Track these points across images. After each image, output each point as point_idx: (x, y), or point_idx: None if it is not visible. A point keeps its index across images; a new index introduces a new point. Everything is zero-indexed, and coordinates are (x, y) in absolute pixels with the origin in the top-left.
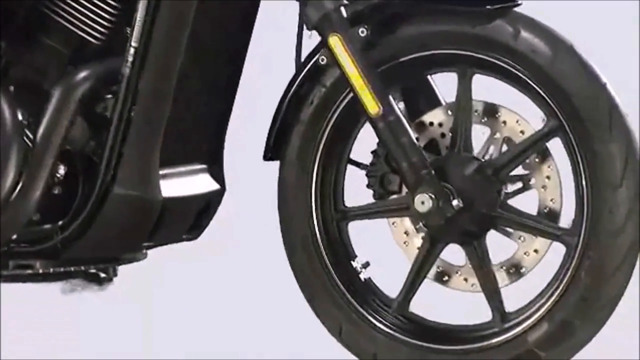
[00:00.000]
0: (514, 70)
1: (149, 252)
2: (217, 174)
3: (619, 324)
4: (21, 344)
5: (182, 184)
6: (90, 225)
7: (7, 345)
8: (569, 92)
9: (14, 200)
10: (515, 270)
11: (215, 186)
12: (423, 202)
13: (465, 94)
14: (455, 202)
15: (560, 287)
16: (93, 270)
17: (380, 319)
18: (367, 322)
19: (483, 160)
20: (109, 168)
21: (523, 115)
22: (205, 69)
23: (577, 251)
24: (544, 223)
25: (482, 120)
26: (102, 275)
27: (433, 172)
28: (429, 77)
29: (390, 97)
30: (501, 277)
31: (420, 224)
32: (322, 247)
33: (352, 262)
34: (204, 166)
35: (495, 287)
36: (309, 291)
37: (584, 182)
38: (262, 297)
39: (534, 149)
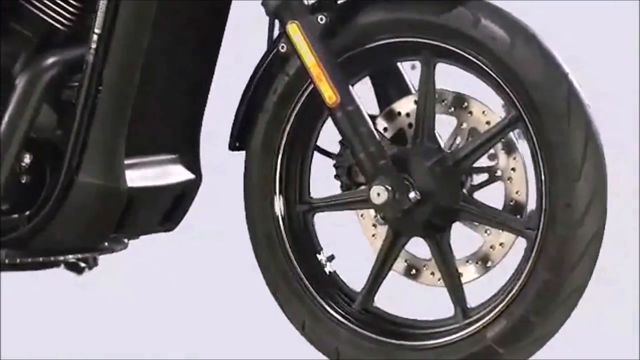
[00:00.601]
0: (474, 59)
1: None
2: (192, 164)
3: (619, 323)
4: (21, 343)
5: (152, 173)
6: (55, 215)
7: (6, 345)
8: (526, 82)
9: None
10: (481, 264)
11: (189, 176)
12: (379, 193)
13: (428, 83)
14: (412, 195)
15: (519, 283)
16: (73, 260)
17: (344, 313)
18: (329, 317)
19: (445, 151)
20: (74, 157)
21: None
22: (174, 58)
23: (535, 245)
24: (506, 216)
25: (450, 111)
26: (82, 264)
27: (392, 163)
28: (398, 65)
29: (350, 87)
30: (467, 271)
31: (378, 216)
32: (285, 240)
33: (317, 255)
34: (177, 156)
35: (457, 281)
36: (273, 284)
37: (541, 175)
38: (240, 290)
39: (496, 140)
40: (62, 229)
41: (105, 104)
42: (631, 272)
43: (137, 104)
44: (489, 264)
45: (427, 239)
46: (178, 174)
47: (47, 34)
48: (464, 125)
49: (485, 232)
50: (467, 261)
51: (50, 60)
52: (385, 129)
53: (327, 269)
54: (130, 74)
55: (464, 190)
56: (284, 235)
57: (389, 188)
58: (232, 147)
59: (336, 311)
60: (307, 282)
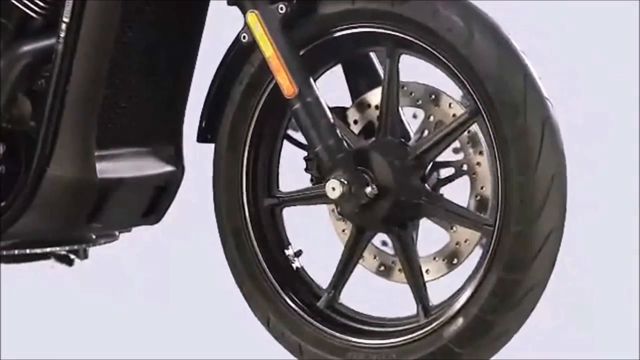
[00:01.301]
0: (432, 51)
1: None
2: (174, 155)
3: (619, 323)
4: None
5: (127, 165)
6: (28, 206)
7: (6, 345)
8: (482, 74)
9: None
10: (447, 261)
11: (170, 168)
12: (333, 187)
13: (392, 74)
14: (369, 189)
15: (476, 280)
16: (62, 252)
17: (308, 310)
18: (293, 314)
19: (408, 145)
20: (45, 148)
21: None
22: (149, 47)
23: (491, 243)
24: (467, 213)
25: (417, 103)
26: (72, 256)
27: (352, 156)
28: (371, 55)
29: (311, 78)
30: (434, 268)
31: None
32: (252, 235)
33: (284, 250)
34: (156, 148)
35: (420, 279)
36: (239, 280)
37: (497, 170)
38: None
39: (457, 134)
40: (35, 220)
41: (75, 94)
42: (631, 272)
43: (110, 95)
44: (455, 261)
45: (389, 234)
46: (158, 166)
47: (22, 22)
48: (431, 118)
49: (451, 228)
50: (434, 258)
51: (24, 48)
52: (355, 121)
53: (295, 265)
54: (99, 64)
55: (427, 185)
56: (251, 230)
57: (345, 182)
58: (201, 139)
59: (301, 308)
60: (272, 278)
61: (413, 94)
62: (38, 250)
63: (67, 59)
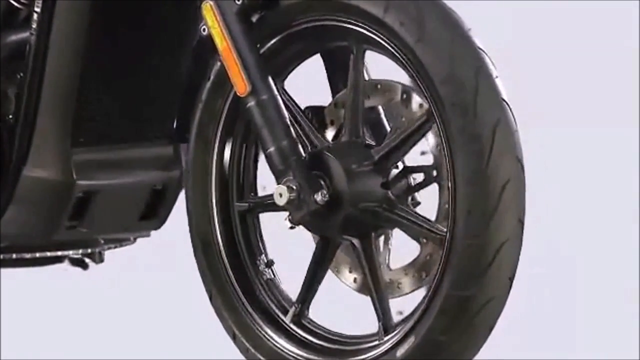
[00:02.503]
0: (389, 47)
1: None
2: (172, 156)
3: (619, 324)
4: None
5: (114, 167)
6: (6, 209)
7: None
8: (432, 73)
9: None
10: (418, 275)
11: (168, 169)
12: (281, 194)
13: (356, 71)
14: (318, 196)
15: (427, 296)
16: (78, 256)
17: (272, 327)
18: (258, 329)
19: (371, 148)
20: (22, 146)
21: None
22: (131, 38)
23: (442, 256)
24: (429, 223)
25: (390, 102)
26: (87, 260)
27: (306, 159)
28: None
29: (268, 75)
30: (406, 282)
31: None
32: (220, 242)
33: (256, 260)
34: (151, 148)
35: (383, 293)
36: (207, 289)
37: (448, 177)
38: None
39: (416, 137)
40: (14, 222)
41: (48, 91)
42: (631, 272)
43: (87, 91)
44: (424, 275)
45: (351, 245)
46: (152, 167)
47: (8, 13)
48: (403, 118)
49: (422, 239)
50: (405, 272)
51: (7, 40)
52: (332, 122)
53: (265, 276)
54: (73, 56)
55: (391, 192)
56: (219, 237)
57: (293, 188)
58: (178, 139)
59: (266, 323)
60: (239, 290)
61: (387, 93)
62: (50, 254)
63: (41, 52)
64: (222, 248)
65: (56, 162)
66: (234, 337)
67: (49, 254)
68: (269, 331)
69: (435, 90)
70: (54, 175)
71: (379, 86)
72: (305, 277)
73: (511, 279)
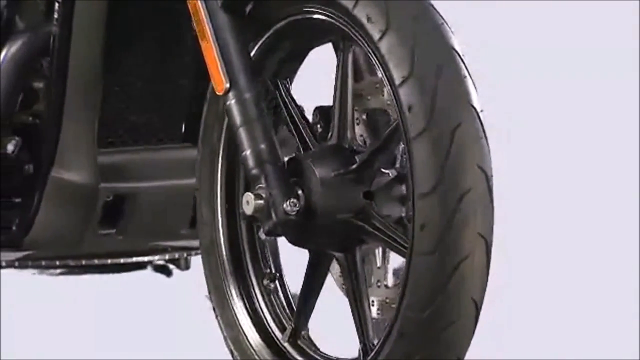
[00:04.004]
0: (360, 43)
1: None
2: None
3: (619, 324)
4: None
5: (149, 170)
6: (38, 210)
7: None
8: (395, 73)
9: None
10: None
11: None
12: (247, 201)
13: (342, 70)
14: (287, 206)
15: (390, 319)
16: (162, 262)
17: (266, 346)
18: (250, 347)
19: (357, 154)
20: (49, 145)
21: None
22: (155, 41)
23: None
24: (400, 238)
25: (387, 104)
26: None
27: (282, 165)
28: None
29: (250, 73)
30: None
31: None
32: (224, 251)
33: (261, 272)
34: (192, 150)
35: (364, 313)
36: (214, 299)
37: (408, 188)
38: None
39: (395, 141)
40: (45, 226)
41: (72, 84)
42: (631, 272)
43: (112, 87)
44: None
45: (338, 259)
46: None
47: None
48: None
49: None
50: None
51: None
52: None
53: (267, 291)
54: (94, 58)
55: (374, 203)
56: (223, 246)
57: (262, 196)
58: (188, 140)
59: (260, 341)
60: (238, 303)
61: (384, 95)
62: (134, 259)
63: (64, 47)
64: (225, 258)
65: (81, 164)
66: (232, 353)
67: (133, 259)
68: (261, 350)
69: (396, 90)
70: (79, 177)
71: (377, 86)
72: (299, 293)
73: (476, 301)
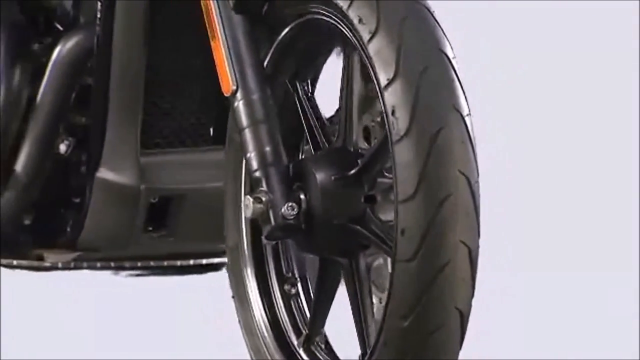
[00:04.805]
0: (353, 44)
1: None
2: None
3: (619, 324)
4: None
5: (195, 172)
6: (87, 213)
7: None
8: (379, 75)
9: (18, 170)
10: None
11: None
12: (247, 205)
13: (348, 72)
14: (286, 210)
15: (378, 327)
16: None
17: (280, 349)
18: (267, 352)
19: (361, 156)
20: (96, 146)
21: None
22: (195, 41)
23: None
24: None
25: None
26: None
27: (287, 169)
28: None
29: (260, 74)
30: None
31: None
32: (247, 254)
33: (282, 276)
34: None
35: (365, 321)
36: (237, 301)
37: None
38: None
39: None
40: (94, 228)
41: (115, 83)
42: (632, 272)
43: (153, 86)
44: None
45: (343, 266)
46: None
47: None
48: None
49: None
50: None
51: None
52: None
53: (288, 295)
54: (136, 57)
55: (374, 207)
56: (246, 249)
57: (261, 199)
58: (215, 142)
59: (276, 347)
60: (260, 308)
61: None
62: (205, 261)
63: (107, 46)
64: (247, 261)
65: (125, 165)
66: (249, 353)
67: (204, 261)
68: (276, 356)
69: (382, 93)
70: (123, 178)
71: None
72: (313, 299)
73: (461, 310)
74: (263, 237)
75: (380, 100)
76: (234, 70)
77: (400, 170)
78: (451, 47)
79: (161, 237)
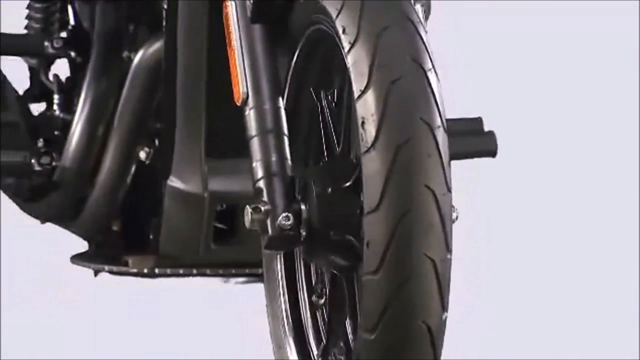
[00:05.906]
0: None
1: None
2: None
3: (620, 323)
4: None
5: None
6: (161, 222)
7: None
8: (354, 86)
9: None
10: None
11: None
12: (246, 214)
13: (348, 81)
14: (283, 221)
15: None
16: None
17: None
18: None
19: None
20: (166, 154)
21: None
22: None
23: None
24: None
25: None
26: None
27: (290, 179)
28: None
29: (275, 83)
30: None
31: None
32: (279, 266)
33: (310, 285)
34: None
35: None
36: (269, 311)
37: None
38: None
39: None
40: (166, 236)
41: (180, 91)
42: (631, 273)
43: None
44: None
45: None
46: None
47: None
48: None
49: None
50: None
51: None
52: None
53: (315, 307)
54: (198, 65)
55: None
56: (278, 260)
57: (260, 209)
58: None
59: (296, 357)
60: (287, 318)
61: None
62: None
63: (172, 52)
64: (279, 267)
65: (191, 173)
66: None
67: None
68: None
69: (354, 104)
70: (189, 186)
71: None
72: (327, 310)
73: (429, 325)
74: (262, 247)
75: (353, 111)
76: (245, 79)
77: (366, 182)
78: (430, 58)
79: (229, 245)
